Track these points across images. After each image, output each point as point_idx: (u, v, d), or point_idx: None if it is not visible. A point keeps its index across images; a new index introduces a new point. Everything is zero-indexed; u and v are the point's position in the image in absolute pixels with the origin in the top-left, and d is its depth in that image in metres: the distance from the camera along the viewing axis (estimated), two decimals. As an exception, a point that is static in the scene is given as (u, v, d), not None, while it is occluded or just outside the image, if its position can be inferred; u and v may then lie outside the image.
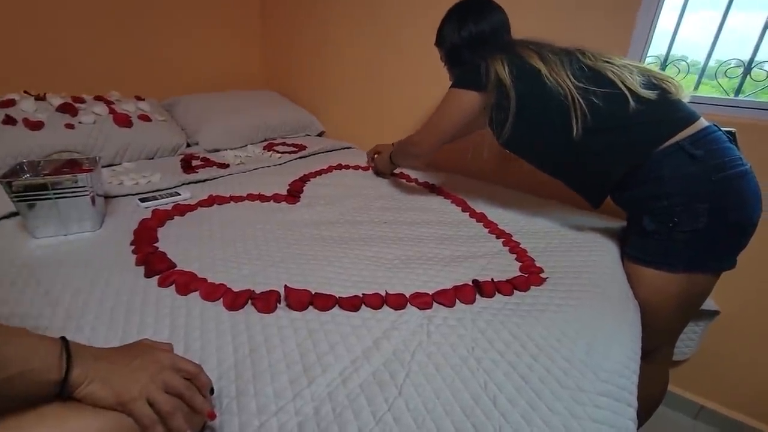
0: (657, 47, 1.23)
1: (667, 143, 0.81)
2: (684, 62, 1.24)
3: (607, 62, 0.91)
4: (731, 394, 1.31)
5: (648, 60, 1.25)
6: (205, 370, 0.56)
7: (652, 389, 1.02)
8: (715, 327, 1.27)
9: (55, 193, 0.87)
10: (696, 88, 1.23)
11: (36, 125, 1.23)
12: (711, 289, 0.88)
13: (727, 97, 1.17)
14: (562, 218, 1.17)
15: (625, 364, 0.66)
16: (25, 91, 1.35)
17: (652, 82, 0.87)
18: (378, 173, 1.50)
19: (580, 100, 0.87)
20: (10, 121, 1.22)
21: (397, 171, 1.51)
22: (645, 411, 1.06)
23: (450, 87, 1.05)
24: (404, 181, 1.49)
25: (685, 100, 0.87)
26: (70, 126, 1.28)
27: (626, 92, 0.84)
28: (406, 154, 1.26)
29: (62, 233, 0.91)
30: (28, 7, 1.42)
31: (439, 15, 1.11)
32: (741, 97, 1.16)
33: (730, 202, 0.78)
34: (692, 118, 0.82)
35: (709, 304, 1.20)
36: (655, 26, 1.18)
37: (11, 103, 1.28)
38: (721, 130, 0.83)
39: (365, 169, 1.58)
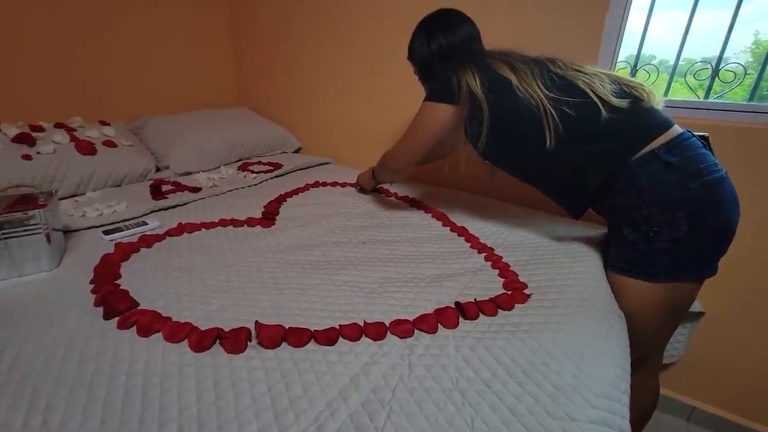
0: (626, 48, 1.23)
1: (642, 151, 0.80)
2: (653, 64, 1.25)
3: (578, 71, 0.90)
4: (723, 395, 1.31)
5: (619, 61, 1.25)
6: (164, 421, 0.52)
7: (643, 399, 1.00)
8: (701, 328, 1.26)
9: (4, 234, 0.80)
10: (668, 88, 1.23)
11: (-11, 158, 1.16)
12: (695, 296, 0.87)
13: (698, 99, 1.18)
14: (545, 228, 1.15)
15: (614, 384, 0.64)
16: (-22, 123, 1.28)
17: (624, 90, 0.86)
18: (360, 190, 1.47)
19: (552, 110, 0.85)
20: (-40, 155, 1.15)
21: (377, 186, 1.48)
22: (637, 423, 1.03)
23: (423, 101, 1.03)
24: (384, 195, 1.46)
25: (659, 106, 0.87)
26: (27, 157, 1.21)
27: (598, 101, 0.83)
28: (384, 170, 1.23)
29: (15, 275, 0.84)
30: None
31: (411, 27, 1.10)
32: (711, 98, 1.17)
33: (709, 208, 0.77)
34: (666, 125, 0.82)
35: (694, 305, 1.19)
36: (625, 27, 1.17)
37: (-38, 136, 1.21)
38: (695, 135, 0.83)
39: (343, 185, 1.54)
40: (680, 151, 0.79)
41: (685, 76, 1.20)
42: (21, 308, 0.75)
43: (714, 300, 1.21)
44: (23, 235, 0.83)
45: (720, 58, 1.13)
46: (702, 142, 0.83)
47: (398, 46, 1.13)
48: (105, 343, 0.66)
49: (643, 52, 1.25)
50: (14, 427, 0.51)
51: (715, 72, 1.16)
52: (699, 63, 1.18)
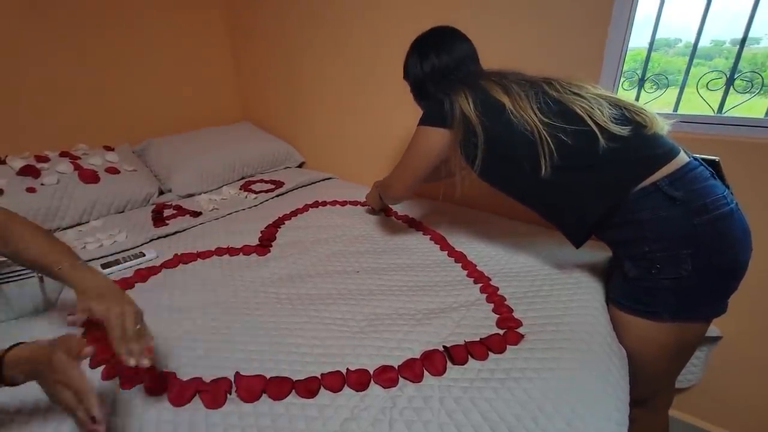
0: (645, 35, 1.14)
1: (644, 183, 0.75)
2: (665, 79, 1.17)
3: (576, 94, 0.85)
4: (742, 420, 1.24)
5: (639, 46, 1.15)
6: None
7: (652, 439, 0.95)
8: (719, 351, 1.19)
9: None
10: (685, 76, 1.13)
11: (-6, 193, 1.20)
12: (703, 334, 0.81)
13: (711, 114, 1.10)
14: (547, 252, 1.10)
15: (608, 443, 0.60)
16: (-16, 157, 1.32)
17: (625, 115, 0.81)
18: (370, 210, 1.44)
19: (547, 137, 0.81)
20: (-35, 192, 1.19)
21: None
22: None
23: (418, 125, 1.00)
24: (383, 214, 1.44)
25: (663, 132, 0.81)
26: (31, 190, 1.24)
27: (595, 129, 0.78)
28: (385, 198, 1.21)
29: (12, 317, 0.86)
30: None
31: (413, 38, 1.06)
32: (726, 110, 1.10)
33: (716, 246, 0.72)
34: (670, 154, 0.76)
35: (710, 330, 1.13)
36: (635, 11, 1.08)
37: (-34, 172, 1.24)
38: (702, 163, 0.77)
39: (343, 203, 1.53)
40: (684, 183, 0.73)
41: (697, 87, 1.12)
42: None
43: (732, 323, 1.13)
44: (17, 279, 0.84)
45: (743, 41, 1.04)
46: (711, 170, 0.77)
47: (400, 57, 1.10)
48: (88, 396, 0.66)
49: (666, 36, 1.16)
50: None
51: (730, 81, 1.08)
52: (728, 44, 1.10)
